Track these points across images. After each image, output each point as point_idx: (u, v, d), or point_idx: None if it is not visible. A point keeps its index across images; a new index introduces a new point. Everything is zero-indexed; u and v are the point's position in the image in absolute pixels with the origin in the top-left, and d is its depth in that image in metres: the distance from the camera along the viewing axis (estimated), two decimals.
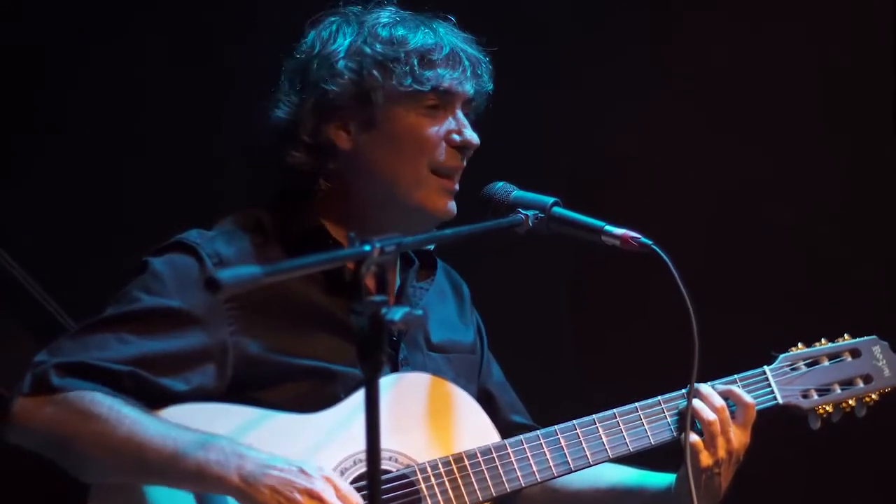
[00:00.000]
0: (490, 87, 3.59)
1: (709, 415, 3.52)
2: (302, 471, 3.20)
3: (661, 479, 3.62)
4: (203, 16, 4.75)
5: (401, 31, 3.51)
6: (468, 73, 3.53)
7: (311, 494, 3.17)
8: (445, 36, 3.54)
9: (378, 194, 3.50)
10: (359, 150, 3.50)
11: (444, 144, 3.52)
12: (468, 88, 3.54)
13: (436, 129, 3.51)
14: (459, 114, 3.54)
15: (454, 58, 3.51)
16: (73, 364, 3.29)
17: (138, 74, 4.72)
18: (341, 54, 3.49)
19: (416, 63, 3.47)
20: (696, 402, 3.52)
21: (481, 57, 3.58)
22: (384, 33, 3.51)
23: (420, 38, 3.51)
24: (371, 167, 3.50)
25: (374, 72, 3.47)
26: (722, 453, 3.53)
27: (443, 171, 3.52)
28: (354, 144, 3.50)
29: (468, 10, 3.63)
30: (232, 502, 3.25)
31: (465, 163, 3.54)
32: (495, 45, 3.62)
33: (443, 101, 3.51)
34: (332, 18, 3.57)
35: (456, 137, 3.52)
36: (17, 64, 4.61)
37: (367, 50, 3.48)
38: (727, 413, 3.54)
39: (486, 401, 3.69)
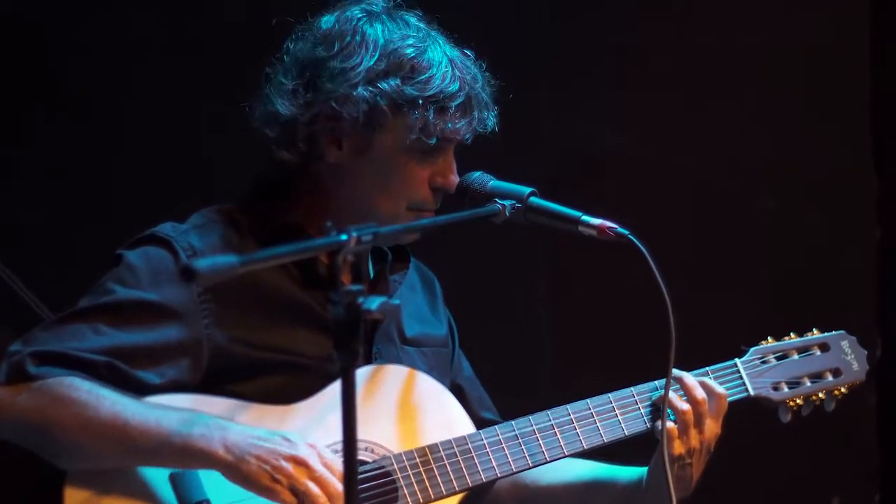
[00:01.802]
0: (488, 129, 3.56)
1: (682, 405, 3.54)
2: (286, 439, 3.24)
3: (631, 472, 3.64)
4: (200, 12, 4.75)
5: (424, 65, 3.45)
6: (474, 123, 3.51)
7: (296, 461, 3.21)
8: (465, 76, 3.49)
9: (354, 208, 3.49)
10: (345, 167, 3.49)
11: (425, 185, 3.52)
12: (468, 138, 3.53)
13: (423, 172, 3.50)
14: (450, 156, 3.54)
15: (467, 107, 3.49)
16: (49, 353, 3.29)
17: (116, 68, 4.72)
18: (360, 77, 3.43)
19: (431, 114, 3.43)
20: (671, 393, 3.53)
21: (491, 102, 3.56)
22: (408, 65, 3.45)
23: (439, 80, 3.45)
24: (352, 188, 3.50)
25: (388, 109, 3.43)
26: (694, 443, 3.55)
27: (417, 208, 3.53)
28: (343, 161, 3.49)
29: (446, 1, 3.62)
30: (206, 481, 3.27)
31: (439, 203, 3.54)
32: (472, 36, 3.60)
33: (439, 148, 3.50)
34: (358, 13, 3.51)
35: (439, 181, 3.52)
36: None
37: (386, 86, 3.42)
38: (706, 406, 3.55)
39: (456, 395, 3.70)
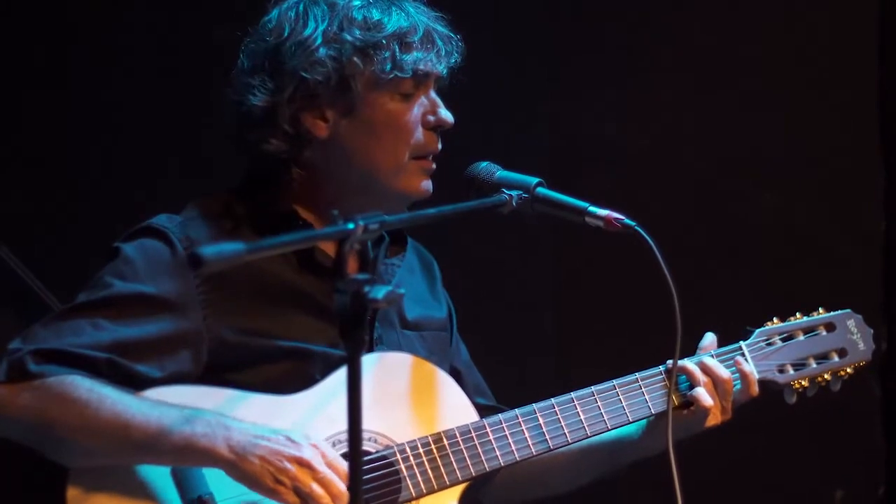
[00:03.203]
0: (459, 61, 3.60)
1: (723, 373, 3.61)
2: (289, 439, 3.26)
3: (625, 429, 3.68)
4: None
5: (376, 14, 3.51)
6: (442, 54, 3.55)
7: (300, 462, 3.23)
8: (418, 16, 3.55)
9: (355, 181, 3.52)
10: (337, 138, 3.51)
11: (420, 128, 3.54)
12: (442, 69, 3.56)
13: (412, 114, 3.53)
14: (432, 93, 3.57)
15: (429, 39, 3.53)
16: (50, 350, 3.32)
17: (119, 57, 4.75)
18: (318, 41, 3.48)
19: (396, 48, 3.48)
20: (699, 389, 3.60)
21: (452, 35, 3.59)
22: (359, 17, 3.50)
23: (395, 20, 3.50)
24: (349, 155, 3.52)
25: (355, 59, 3.47)
26: (715, 422, 3.64)
27: (421, 155, 3.55)
28: (332, 133, 3.51)
29: None
30: (209, 476, 3.29)
31: (440, 143, 3.56)
32: (476, 27, 3.63)
33: (418, 84, 3.53)
34: None
35: (431, 118, 3.55)
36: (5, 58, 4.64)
37: (347, 36, 3.47)
38: (731, 384, 3.63)
39: (453, 377, 3.74)
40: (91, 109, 4.70)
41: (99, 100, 4.71)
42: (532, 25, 5.08)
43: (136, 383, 3.34)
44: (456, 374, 3.75)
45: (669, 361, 3.61)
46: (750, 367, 3.67)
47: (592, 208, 3.47)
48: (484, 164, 3.56)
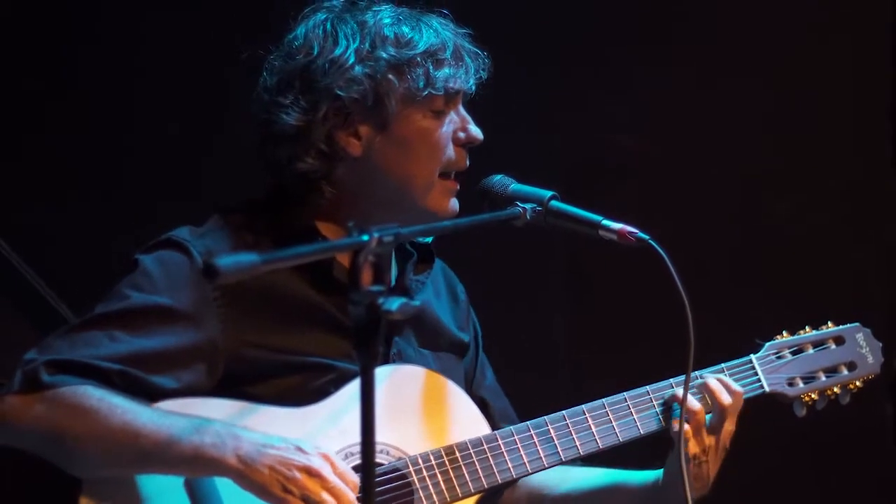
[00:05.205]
0: (485, 77, 3.65)
1: (695, 405, 3.61)
2: (299, 448, 3.30)
3: (646, 475, 3.72)
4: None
5: (407, 32, 3.55)
6: (471, 70, 3.60)
7: (309, 471, 3.27)
8: (445, 33, 3.59)
9: (384, 198, 3.57)
10: (370, 155, 3.55)
11: (451, 144, 3.59)
12: (471, 86, 3.61)
13: (443, 130, 3.58)
14: (461, 110, 3.63)
15: (458, 56, 3.58)
16: (64, 361, 3.36)
17: (134, 68, 4.78)
18: (352, 59, 3.51)
19: (430, 66, 3.53)
20: (680, 393, 3.59)
21: (479, 51, 3.64)
22: (391, 34, 3.54)
23: (426, 37, 3.55)
24: (381, 172, 3.56)
25: (390, 76, 3.51)
26: (709, 442, 3.61)
27: (450, 173, 3.60)
28: (365, 150, 3.55)
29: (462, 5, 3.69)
30: (222, 487, 3.34)
31: (468, 160, 3.62)
32: (493, 35, 3.66)
33: (448, 100, 3.59)
34: (322, 15, 3.60)
35: (461, 135, 3.60)
36: (17, 59, 4.67)
37: (382, 54, 3.51)
38: (729, 408, 3.61)
39: (480, 407, 3.75)
40: (103, 119, 4.74)
41: (100, 101, 4.76)
42: (544, 36, 5.10)
43: (151, 395, 3.38)
44: (481, 403, 3.76)
45: (671, 382, 3.67)
46: (738, 387, 3.66)
47: (606, 222, 3.50)
48: (498, 177, 3.60)
